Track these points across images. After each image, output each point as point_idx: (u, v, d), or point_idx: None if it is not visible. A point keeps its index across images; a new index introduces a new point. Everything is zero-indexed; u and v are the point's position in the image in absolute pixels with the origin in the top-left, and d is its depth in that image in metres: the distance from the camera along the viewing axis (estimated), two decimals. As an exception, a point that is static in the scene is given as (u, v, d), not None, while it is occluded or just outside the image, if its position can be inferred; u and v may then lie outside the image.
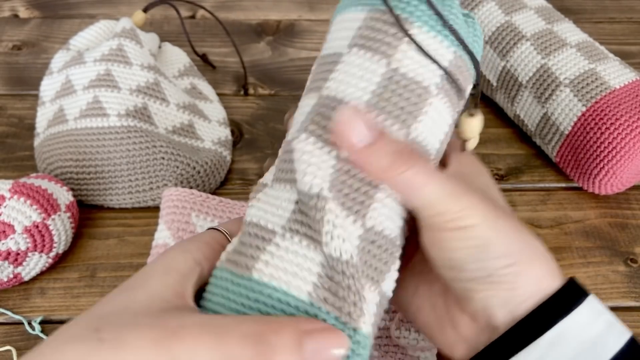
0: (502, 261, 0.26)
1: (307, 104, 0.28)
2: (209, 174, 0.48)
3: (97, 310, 0.24)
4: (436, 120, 0.28)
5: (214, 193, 0.48)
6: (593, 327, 0.25)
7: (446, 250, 0.26)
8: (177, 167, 0.46)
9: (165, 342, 0.22)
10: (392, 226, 0.27)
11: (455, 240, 0.26)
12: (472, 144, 0.31)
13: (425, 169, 0.26)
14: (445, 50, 0.27)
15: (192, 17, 0.65)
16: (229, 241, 0.29)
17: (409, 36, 0.26)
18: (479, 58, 0.29)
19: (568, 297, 0.26)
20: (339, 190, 0.26)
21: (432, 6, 0.26)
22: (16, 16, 0.65)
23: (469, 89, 0.30)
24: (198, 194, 0.43)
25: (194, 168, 0.46)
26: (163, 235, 0.40)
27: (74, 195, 0.45)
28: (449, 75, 0.27)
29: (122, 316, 0.24)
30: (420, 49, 0.26)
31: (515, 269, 0.26)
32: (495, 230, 0.26)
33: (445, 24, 0.26)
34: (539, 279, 0.26)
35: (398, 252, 0.27)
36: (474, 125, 0.30)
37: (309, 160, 0.26)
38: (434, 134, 0.28)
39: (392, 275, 0.27)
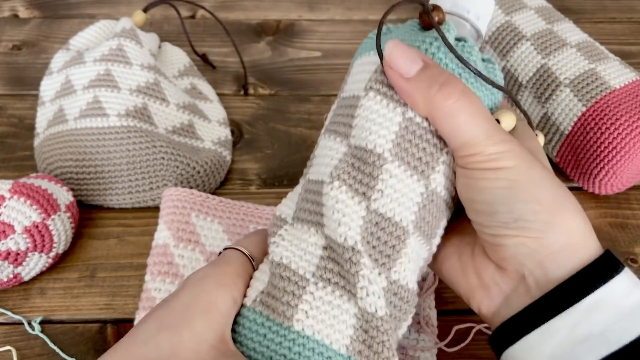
0: (531, 206, 0.26)
1: (336, 149, 0.28)
2: (209, 174, 0.47)
3: (138, 351, 0.24)
4: (448, 171, 0.28)
5: (213, 193, 0.48)
6: (630, 296, 0.25)
7: (478, 191, 0.26)
8: (177, 167, 0.46)
9: None
10: (413, 278, 0.28)
11: (487, 180, 0.26)
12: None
13: (471, 105, 0.26)
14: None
15: (192, 17, 0.65)
16: (253, 266, 0.29)
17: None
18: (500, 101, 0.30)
19: (607, 265, 0.26)
20: (368, 242, 0.26)
21: (452, 51, 0.26)
22: (16, 16, 0.65)
23: None
24: (198, 194, 0.43)
25: (194, 168, 0.46)
26: (163, 235, 0.40)
27: (74, 195, 0.45)
28: None
29: None
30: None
31: (544, 216, 0.26)
32: (527, 175, 0.26)
33: (468, 65, 0.26)
34: (570, 232, 0.26)
35: (415, 303, 0.28)
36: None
37: (344, 210, 0.26)
38: (445, 185, 0.28)
39: (406, 325, 0.28)
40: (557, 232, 0.26)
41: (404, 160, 0.26)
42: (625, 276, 0.26)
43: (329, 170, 0.27)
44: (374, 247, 0.26)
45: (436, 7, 0.28)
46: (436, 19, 0.27)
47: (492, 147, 0.26)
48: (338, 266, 0.26)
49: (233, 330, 0.27)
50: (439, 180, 0.27)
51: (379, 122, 0.26)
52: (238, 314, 0.27)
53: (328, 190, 0.26)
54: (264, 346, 0.26)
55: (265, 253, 0.29)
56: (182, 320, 0.25)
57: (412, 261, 0.27)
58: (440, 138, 0.27)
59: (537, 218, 0.26)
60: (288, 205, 0.29)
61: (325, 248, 0.26)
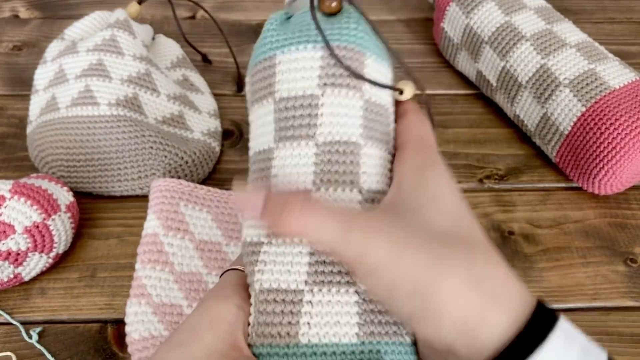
0: (414, 301, 0.23)
1: (304, 154, 0.27)
2: (197, 164, 0.48)
3: None
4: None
5: (202, 184, 0.48)
6: (568, 355, 0.22)
7: (372, 295, 0.25)
8: (166, 157, 0.46)
9: None
10: (384, 180, 0.29)
11: (369, 286, 0.25)
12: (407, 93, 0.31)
13: (314, 212, 0.24)
14: (385, 70, 0.29)
15: (192, 17, 0.65)
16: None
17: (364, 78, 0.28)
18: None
19: (537, 325, 0.23)
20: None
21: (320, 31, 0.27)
22: (16, 17, 0.65)
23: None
24: (186, 183, 0.43)
25: (182, 158, 0.47)
26: (152, 225, 0.40)
27: (64, 183, 0.45)
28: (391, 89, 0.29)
29: None
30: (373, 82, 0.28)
31: (430, 304, 0.23)
32: (399, 269, 0.23)
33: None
34: (458, 307, 0.23)
35: None
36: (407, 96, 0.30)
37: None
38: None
39: None
40: (452, 314, 0.23)
41: (373, 138, 0.28)
42: (560, 332, 0.22)
43: (309, 178, 0.27)
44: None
45: None
46: (333, 5, 0.29)
47: (351, 249, 0.24)
48: (329, 265, 0.26)
49: None
50: (392, 139, 0.29)
51: (345, 113, 0.27)
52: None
53: (316, 195, 0.26)
54: None
55: None
56: (190, 337, 0.25)
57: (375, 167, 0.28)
58: (387, 105, 0.29)
59: (424, 309, 0.23)
60: (253, 225, 0.28)
61: (312, 254, 0.26)
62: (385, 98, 0.29)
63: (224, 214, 0.43)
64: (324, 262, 0.26)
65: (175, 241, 0.40)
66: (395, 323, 0.26)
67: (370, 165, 0.27)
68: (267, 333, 0.26)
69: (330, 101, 0.27)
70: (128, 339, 0.36)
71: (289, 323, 0.26)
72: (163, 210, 0.41)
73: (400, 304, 0.24)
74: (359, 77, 0.27)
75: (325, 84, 0.28)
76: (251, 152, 0.30)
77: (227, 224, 0.43)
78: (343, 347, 0.25)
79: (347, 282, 0.26)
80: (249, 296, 0.27)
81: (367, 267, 0.24)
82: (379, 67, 0.29)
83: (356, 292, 0.26)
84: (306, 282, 0.26)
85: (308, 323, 0.26)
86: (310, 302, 0.26)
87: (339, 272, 0.26)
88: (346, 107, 0.27)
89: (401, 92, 0.29)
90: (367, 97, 0.28)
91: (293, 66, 0.28)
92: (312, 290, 0.26)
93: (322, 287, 0.26)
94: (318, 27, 0.28)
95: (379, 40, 0.30)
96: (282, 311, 0.26)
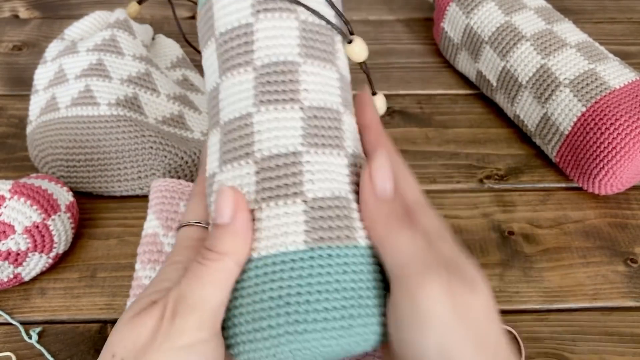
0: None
1: (244, 80, 0.28)
2: (197, 164, 0.48)
3: None
4: (344, 56, 0.31)
5: None
6: None
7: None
8: (166, 157, 0.46)
9: None
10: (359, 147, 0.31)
11: None
12: (380, 106, 0.33)
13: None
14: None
15: (192, 17, 0.65)
16: (203, 226, 0.29)
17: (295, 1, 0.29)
18: None
19: None
20: (312, 136, 0.27)
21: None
22: (16, 17, 0.65)
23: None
24: (186, 183, 0.43)
25: (182, 158, 0.47)
26: (152, 225, 0.40)
27: (64, 183, 0.45)
28: (336, 12, 0.30)
29: None
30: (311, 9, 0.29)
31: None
32: None
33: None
34: None
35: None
36: (357, 50, 0.31)
37: (279, 124, 0.27)
38: (346, 69, 0.31)
39: None
40: None
41: (313, 57, 0.28)
42: None
43: (249, 102, 0.28)
44: (319, 137, 0.27)
45: None
46: None
47: None
48: (277, 179, 0.27)
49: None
50: (343, 65, 0.30)
51: (280, 34, 0.28)
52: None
53: (259, 118, 0.27)
54: (237, 292, 0.26)
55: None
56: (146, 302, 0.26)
57: (351, 133, 0.29)
58: (329, 28, 0.30)
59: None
60: (212, 161, 0.29)
61: (258, 172, 0.27)
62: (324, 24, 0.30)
63: None
64: (270, 177, 0.27)
65: None
66: (347, 227, 0.26)
67: (310, 82, 0.28)
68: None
69: (264, 26, 0.28)
70: None
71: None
72: (163, 210, 0.41)
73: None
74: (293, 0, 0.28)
75: (258, 11, 0.28)
76: (206, 95, 0.31)
77: None
78: (291, 255, 0.26)
79: (294, 193, 0.26)
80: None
81: None
82: None
83: (303, 201, 0.26)
84: (255, 201, 0.27)
85: (258, 239, 0.26)
86: (260, 218, 0.26)
87: (285, 185, 0.27)
88: (280, 29, 0.28)
89: (350, 42, 0.30)
90: (302, 17, 0.29)
91: (227, 1, 0.29)
92: (260, 208, 0.27)
93: (269, 202, 0.26)
94: None
95: None
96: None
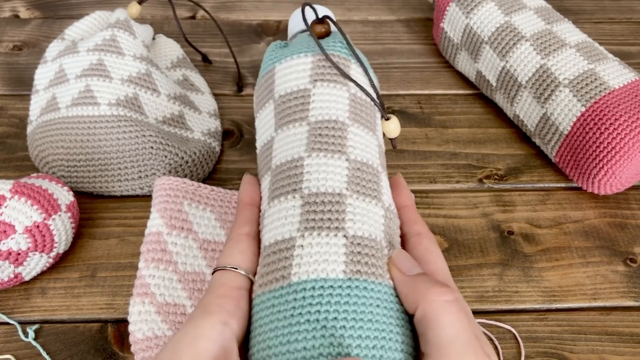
0: None
1: (299, 132, 0.32)
2: (198, 164, 0.48)
3: None
4: (381, 130, 0.36)
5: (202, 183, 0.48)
6: None
7: None
8: (166, 157, 0.46)
9: None
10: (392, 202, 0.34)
11: None
12: (393, 129, 0.36)
13: (459, 311, 0.26)
14: (366, 78, 0.35)
15: (193, 17, 0.65)
16: (247, 277, 0.30)
17: (349, 77, 0.34)
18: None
19: None
20: (355, 184, 0.30)
21: (326, 54, 0.34)
22: (17, 16, 0.65)
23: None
24: (190, 182, 0.43)
25: (182, 158, 0.47)
26: (156, 223, 0.40)
27: (64, 182, 0.45)
28: (377, 93, 0.35)
29: None
30: (359, 86, 0.34)
31: None
32: None
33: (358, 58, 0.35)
34: None
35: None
36: (392, 127, 0.36)
37: (327, 168, 0.31)
38: (382, 139, 0.36)
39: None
40: None
41: (359, 122, 0.33)
42: None
43: (302, 148, 0.31)
44: (361, 186, 0.31)
45: (325, 19, 0.36)
46: (323, 29, 0.36)
47: None
48: (321, 213, 0.29)
49: (252, 324, 0.28)
50: (380, 136, 0.35)
51: (333, 100, 0.33)
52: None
53: (309, 161, 0.30)
54: (274, 316, 0.27)
55: (253, 250, 0.31)
56: (172, 355, 0.26)
57: (387, 190, 0.33)
58: (372, 104, 0.35)
59: None
60: (262, 202, 0.32)
61: (303, 205, 0.29)
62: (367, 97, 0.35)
63: (227, 213, 0.43)
64: (315, 211, 0.29)
65: (179, 240, 0.40)
66: (380, 267, 0.28)
67: (356, 141, 0.32)
68: (266, 282, 0.28)
69: (320, 91, 0.33)
70: (131, 339, 0.36)
71: (284, 267, 0.28)
72: (167, 208, 0.41)
73: None
74: (346, 75, 0.33)
75: (315, 80, 0.33)
76: (258, 149, 0.35)
77: (230, 224, 0.43)
78: (331, 282, 0.27)
79: (336, 227, 0.28)
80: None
81: None
82: (362, 73, 0.35)
83: (344, 236, 0.28)
84: (298, 229, 0.29)
85: (299, 264, 0.28)
86: (302, 246, 0.28)
87: (329, 219, 0.29)
88: (334, 96, 0.33)
89: (387, 119, 0.35)
90: (352, 91, 0.34)
91: (288, 70, 0.34)
92: (303, 236, 0.28)
93: (312, 232, 0.28)
94: (312, 36, 0.34)
95: (360, 58, 0.36)
96: (277, 259, 0.28)
